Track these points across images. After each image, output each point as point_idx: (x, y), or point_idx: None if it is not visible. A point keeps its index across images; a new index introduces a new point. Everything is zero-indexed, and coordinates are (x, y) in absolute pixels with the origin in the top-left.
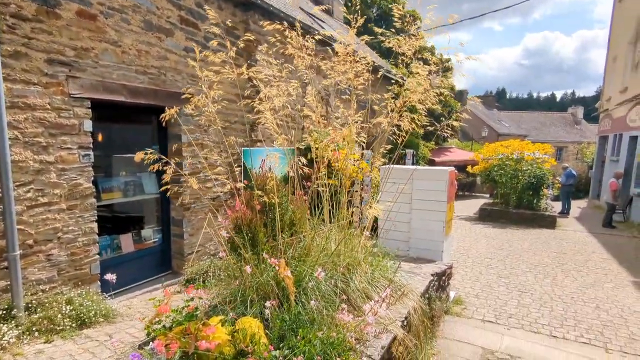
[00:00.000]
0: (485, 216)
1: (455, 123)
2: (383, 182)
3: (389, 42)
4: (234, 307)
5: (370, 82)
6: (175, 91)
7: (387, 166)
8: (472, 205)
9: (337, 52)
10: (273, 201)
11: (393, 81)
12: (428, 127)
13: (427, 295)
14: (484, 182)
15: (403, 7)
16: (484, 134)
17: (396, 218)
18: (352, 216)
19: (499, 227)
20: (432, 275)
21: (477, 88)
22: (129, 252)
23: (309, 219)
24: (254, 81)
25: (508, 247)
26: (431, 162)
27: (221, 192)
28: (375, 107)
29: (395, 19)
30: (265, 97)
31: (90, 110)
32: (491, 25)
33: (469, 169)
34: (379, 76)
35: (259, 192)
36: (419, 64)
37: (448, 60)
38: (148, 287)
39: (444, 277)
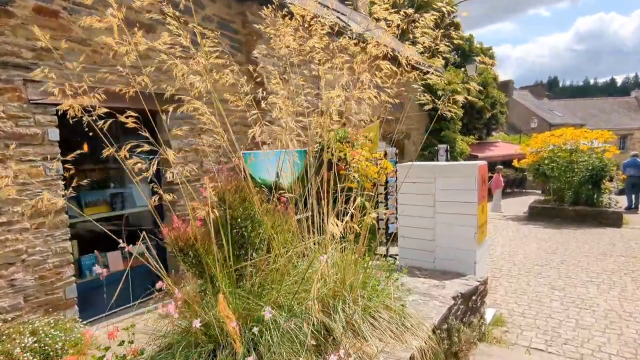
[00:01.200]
0: (535, 215)
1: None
2: (401, 182)
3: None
4: (180, 351)
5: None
6: (161, 93)
7: (406, 164)
8: (522, 203)
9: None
10: (235, 214)
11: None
12: (464, 121)
13: (445, 327)
14: (535, 177)
15: None
16: (533, 125)
17: (417, 224)
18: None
19: (552, 227)
20: (455, 298)
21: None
22: (118, 270)
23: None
24: (258, 79)
25: (563, 250)
26: (472, 159)
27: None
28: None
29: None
30: (268, 95)
31: (56, 117)
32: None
33: (515, 163)
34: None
35: (215, 204)
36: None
37: (489, 49)
38: (141, 309)
39: (475, 297)
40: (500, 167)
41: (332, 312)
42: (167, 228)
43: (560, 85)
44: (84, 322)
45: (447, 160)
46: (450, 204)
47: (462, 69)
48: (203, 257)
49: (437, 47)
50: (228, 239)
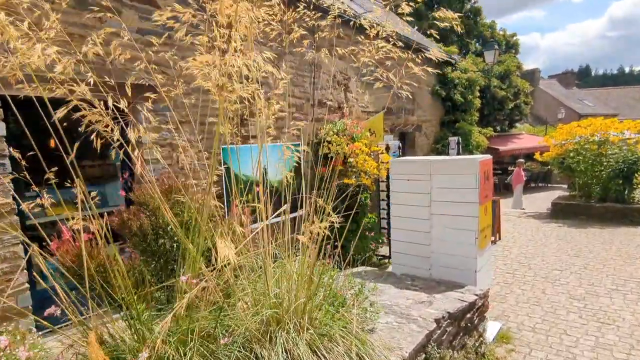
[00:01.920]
0: (559, 212)
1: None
2: (393, 179)
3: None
4: None
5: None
6: (130, 83)
7: (398, 159)
8: (546, 199)
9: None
10: (161, 222)
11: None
12: (485, 112)
13: (423, 357)
14: (559, 171)
15: None
16: (560, 115)
17: (412, 226)
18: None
19: (576, 225)
20: (439, 321)
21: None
22: None
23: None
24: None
25: (587, 253)
26: (492, 152)
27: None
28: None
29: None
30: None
31: (1, 110)
32: None
33: (537, 156)
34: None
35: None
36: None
37: (513, 35)
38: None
39: (470, 314)
40: (522, 160)
41: (267, 344)
42: (55, 242)
43: (593, 74)
44: (41, 334)
45: (458, 154)
46: (448, 205)
47: (482, 58)
48: (110, 276)
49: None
50: (149, 251)
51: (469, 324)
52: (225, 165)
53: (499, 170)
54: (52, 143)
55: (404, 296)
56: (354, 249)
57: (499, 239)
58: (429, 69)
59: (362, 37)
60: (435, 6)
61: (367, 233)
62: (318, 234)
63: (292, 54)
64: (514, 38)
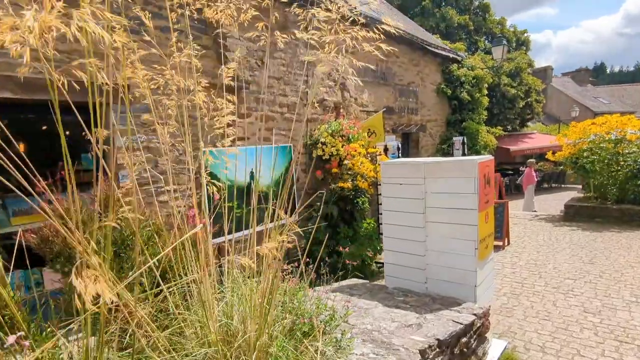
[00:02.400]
0: (572, 215)
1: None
2: (383, 184)
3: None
4: None
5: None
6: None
7: (388, 161)
8: (559, 200)
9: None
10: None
11: (444, 58)
12: (494, 111)
13: None
14: (573, 171)
15: None
16: (574, 114)
17: (405, 235)
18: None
19: (591, 229)
20: (425, 352)
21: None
22: (54, 289)
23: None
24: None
25: (603, 259)
26: (502, 152)
27: (180, 206)
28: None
29: None
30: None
31: None
32: None
33: (549, 156)
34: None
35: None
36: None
37: (523, 32)
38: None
39: (466, 338)
40: (533, 160)
41: None
42: None
43: (608, 71)
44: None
45: (464, 154)
46: (444, 211)
47: (492, 55)
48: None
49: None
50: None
51: (465, 349)
52: (207, 171)
53: (511, 171)
54: (21, 147)
55: (390, 317)
56: (349, 256)
57: (508, 244)
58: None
59: (359, 31)
60: (442, 3)
61: (365, 239)
62: (282, 247)
63: (283, 51)
64: (525, 35)
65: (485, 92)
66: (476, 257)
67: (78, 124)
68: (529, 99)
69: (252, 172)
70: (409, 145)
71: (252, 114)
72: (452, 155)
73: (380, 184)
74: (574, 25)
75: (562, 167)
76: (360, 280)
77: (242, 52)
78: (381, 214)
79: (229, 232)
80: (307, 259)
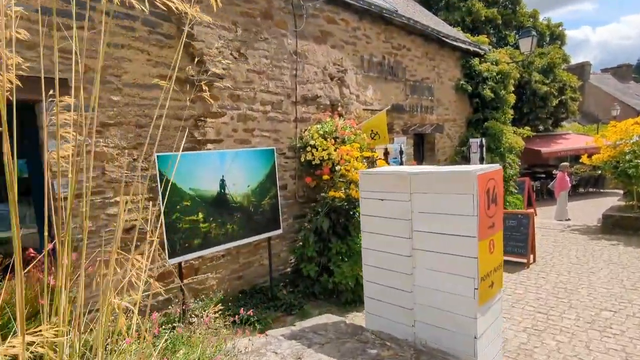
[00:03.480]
0: (611, 226)
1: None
2: (362, 199)
3: None
4: None
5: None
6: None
7: (366, 170)
8: (598, 207)
9: None
10: None
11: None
12: (524, 109)
13: None
14: (614, 177)
15: None
16: (615, 112)
17: (388, 264)
18: None
19: (634, 244)
20: None
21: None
22: None
23: None
24: (198, 56)
25: None
26: (532, 154)
27: (139, 219)
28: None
29: None
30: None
31: None
32: None
33: (584, 159)
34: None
35: None
36: None
37: (558, 25)
38: None
39: None
40: (566, 164)
41: None
42: None
43: None
44: None
45: (481, 159)
46: (435, 237)
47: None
48: None
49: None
50: None
51: None
52: (163, 177)
53: (543, 174)
54: None
55: None
56: (341, 276)
57: (533, 261)
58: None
59: (366, 21)
60: None
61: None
62: None
63: (266, 41)
64: (560, 28)
65: (512, 88)
66: (476, 300)
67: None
68: (563, 97)
69: (222, 180)
70: (423, 148)
71: (227, 112)
72: (468, 160)
73: None
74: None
75: (600, 171)
76: (335, 319)
77: (212, 41)
78: None
79: (191, 250)
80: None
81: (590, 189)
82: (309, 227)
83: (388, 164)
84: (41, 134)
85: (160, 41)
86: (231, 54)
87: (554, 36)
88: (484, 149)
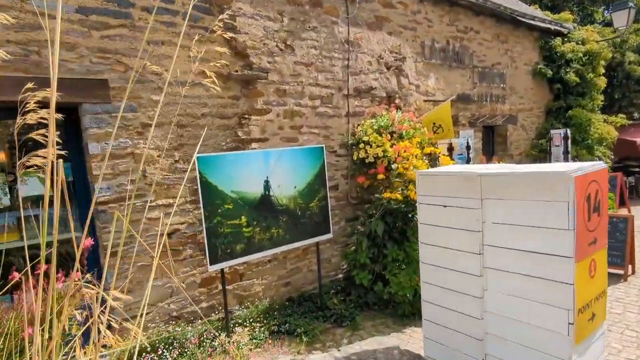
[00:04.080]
0: None
1: None
2: (420, 204)
3: None
4: None
5: None
6: (69, 77)
7: (425, 171)
8: None
9: None
10: None
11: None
12: (615, 95)
13: None
14: None
15: None
16: None
17: (452, 284)
18: None
19: None
20: None
21: None
22: None
23: None
24: (242, 50)
25: None
26: (626, 146)
27: (181, 224)
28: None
29: None
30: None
31: None
32: None
33: None
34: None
35: None
36: None
37: None
38: None
39: None
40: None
41: None
42: None
43: None
44: None
45: (566, 153)
46: (515, 255)
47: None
48: None
49: None
50: None
51: None
52: (204, 179)
53: (638, 168)
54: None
55: None
56: (398, 287)
57: (632, 272)
58: None
59: (427, 3)
60: None
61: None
62: None
63: (315, 30)
64: None
65: (602, 71)
66: (571, 338)
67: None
68: None
69: (266, 181)
70: (493, 142)
71: (272, 109)
72: (549, 154)
73: None
74: None
75: None
76: (387, 342)
77: (257, 33)
78: None
79: (233, 256)
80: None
81: None
82: (363, 230)
83: (453, 161)
84: (84, 137)
85: (202, 36)
86: (277, 45)
87: None
88: (569, 141)
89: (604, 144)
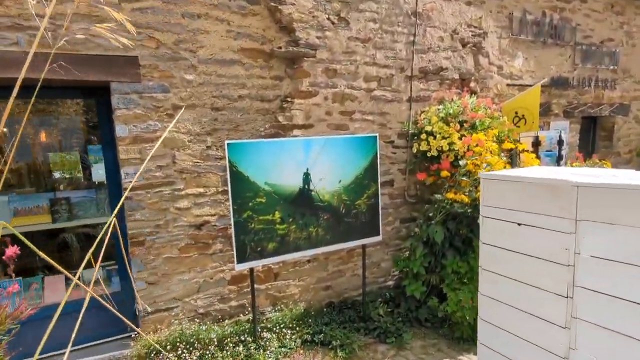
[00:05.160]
0: None
1: None
2: (483, 217)
3: None
4: None
5: None
6: (98, 54)
7: (492, 173)
8: None
9: None
10: None
11: None
12: None
13: None
14: None
15: None
16: None
17: (524, 330)
18: None
19: None
20: None
21: None
22: (55, 302)
23: None
24: (287, 23)
25: None
26: None
27: (212, 215)
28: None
29: None
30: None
31: None
32: None
33: None
34: None
35: None
36: None
37: None
38: (87, 357)
39: None
40: None
41: None
42: None
43: None
44: None
45: None
46: (622, 308)
47: None
48: None
49: None
50: None
51: None
52: (234, 168)
53: None
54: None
55: None
56: (456, 306)
57: None
58: None
59: None
60: None
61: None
62: None
63: (375, 0)
64: None
65: None
66: None
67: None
68: None
69: (306, 173)
70: (594, 137)
71: (320, 91)
72: None
73: None
74: None
75: None
76: None
77: (305, 4)
78: None
79: (264, 255)
80: None
81: None
82: (418, 235)
83: (538, 160)
84: (113, 118)
85: (243, 7)
86: (328, 18)
87: None
88: None
89: None
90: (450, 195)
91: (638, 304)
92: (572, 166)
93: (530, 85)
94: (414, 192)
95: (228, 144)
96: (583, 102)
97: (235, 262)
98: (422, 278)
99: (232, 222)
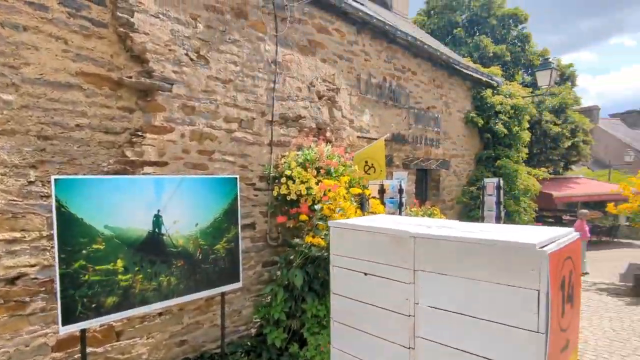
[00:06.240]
0: None
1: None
2: (333, 266)
3: None
4: None
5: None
6: None
7: (340, 222)
8: (616, 260)
9: None
10: None
11: (478, 82)
12: (534, 150)
13: None
14: None
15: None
16: (629, 158)
17: None
18: None
19: None
20: None
21: (610, 111)
22: None
23: None
24: (139, 52)
25: None
26: (544, 199)
27: (32, 266)
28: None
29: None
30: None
31: None
32: (620, 41)
33: (610, 208)
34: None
35: None
36: None
37: (569, 66)
38: None
39: None
40: (585, 211)
41: None
42: None
43: None
44: None
45: (498, 203)
46: (456, 357)
47: (532, 89)
48: None
49: None
50: None
51: None
52: (63, 209)
53: (551, 219)
54: None
55: None
56: (316, 352)
57: None
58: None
59: (365, 35)
60: (476, 32)
61: None
62: None
63: (236, 44)
64: (570, 69)
65: (527, 125)
66: None
67: None
68: (575, 139)
69: (157, 216)
70: (426, 186)
71: (176, 127)
72: (482, 203)
73: None
74: (613, 70)
75: (613, 220)
76: None
77: (161, 36)
78: None
79: (101, 312)
80: None
81: (603, 239)
82: (279, 279)
83: (383, 206)
84: None
85: (85, 28)
86: (187, 54)
87: (564, 77)
88: (502, 191)
89: (529, 195)
90: (309, 239)
91: (462, 351)
92: (411, 211)
93: (377, 139)
94: (276, 235)
95: (55, 179)
96: (417, 157)
97: (60, 323)
98: (283, 324)
99: (56, 273)
